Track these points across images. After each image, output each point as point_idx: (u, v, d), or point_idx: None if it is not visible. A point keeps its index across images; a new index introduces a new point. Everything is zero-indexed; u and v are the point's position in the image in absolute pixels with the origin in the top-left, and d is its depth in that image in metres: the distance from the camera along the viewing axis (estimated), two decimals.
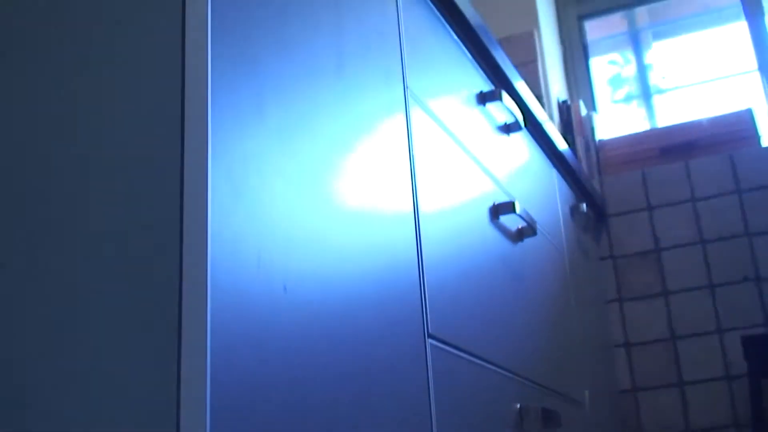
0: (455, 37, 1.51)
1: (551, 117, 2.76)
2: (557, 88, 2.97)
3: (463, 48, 1.55)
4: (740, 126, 2.78)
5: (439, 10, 1.45)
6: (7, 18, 0.87)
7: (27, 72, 0.83)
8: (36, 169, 0.78)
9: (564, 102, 2.90)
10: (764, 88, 2.99)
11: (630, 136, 2.90)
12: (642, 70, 3.37)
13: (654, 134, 2.87)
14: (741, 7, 3.18)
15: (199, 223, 0.68)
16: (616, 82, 3.49)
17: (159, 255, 0.68)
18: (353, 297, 0.89)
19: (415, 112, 1.21)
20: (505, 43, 2.89)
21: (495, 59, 1.64)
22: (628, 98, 3.40)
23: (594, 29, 3.44)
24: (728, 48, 3.26)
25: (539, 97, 2.73)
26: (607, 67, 3.47)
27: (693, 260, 2.59)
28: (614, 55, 3.56)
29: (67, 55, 0.81)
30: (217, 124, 0.72)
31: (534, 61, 2.82)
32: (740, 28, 3.19)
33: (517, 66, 2.81)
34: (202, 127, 0.72)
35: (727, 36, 3.31)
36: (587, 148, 2.81)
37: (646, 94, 3.30)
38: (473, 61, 1.59)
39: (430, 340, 1.08)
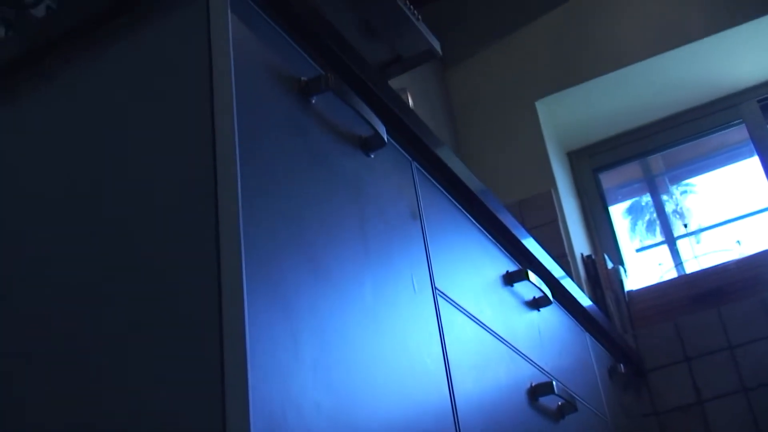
0: (475, 222, 1.55)
1: (577, 274, 2.78)
2: (580, 243, 3.00)
3: (485, 232, 1.58)
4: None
5: (456, 198, 1.49)
6: None
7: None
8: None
9: (588, 257, 2.92)
10: None
11: (659, 285, 2.89)
12: (662, 214, 3.40)
13: (682, 282, 2.86)
14: (751, 144, 3.22)
15: None
16: (635, 210, 3.52)
17: None
18: None
19: (445, 310, 1.23)
20: (525, 204, 2.94)
21: (516, 237, 1.66)
22: (650, 238, 3.41)
23: (611, 177, 3.49)
24: (745, 185, 3.29)
25: (563, 256, 2.75)
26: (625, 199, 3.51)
27: (737, 410, 2.53)
28: (633, 194, 3.60)
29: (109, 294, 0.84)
30: (255, 369, 0.74)
31: (555, 220, 2.86)
32: (753, 164, 3.23)
33: (539, 226, 2.85)
34: (241, 375, 0.73)
35: (743, 173, 3.35)
36: (617, 302, 2.81)
37: (669, 238, 3.32)
38: (495, 243, 1.61)
39: None
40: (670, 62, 3.13)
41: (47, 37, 1.06)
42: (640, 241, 3.47)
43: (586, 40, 3.23)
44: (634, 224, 3.54)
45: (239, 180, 0.83)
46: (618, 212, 3.44)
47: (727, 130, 3.32)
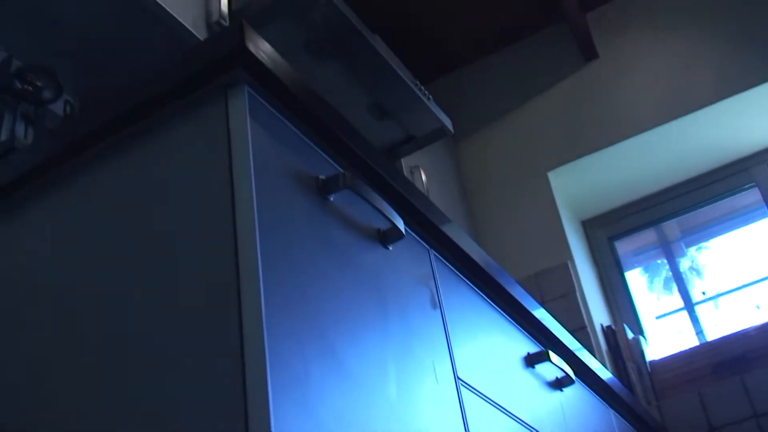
0: (494, 304, 1.55)
1: (597, 346, 2.76)
2: (599, 313, 2.98)
3: (503, 313, 1.57)
4: None
5: (473, 282, 1.49)
6: None
7: None
8: None
9: (608, 327, 2.90)
10: None
11: (680, 354, 2.87)
12: (680, 281, 3.38)
13: (704, 350, 2.84)
14: (765, 207, 3.21)
15: None
16: (652, 268, 3.49)
17: None
18: None
19: (469, 400, 1.22)
20: (542, 276, 2.94)
21: (535, 317, 1.66)
22: (667, 294, 3.38)
23: (626, 242, 3.49)
24: (760, 248, 3.27)
25: (582, 328, 2.74)
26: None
27: None
28: (649, 260, 3.58)
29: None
30: None
31: (572, 291, 2.85)
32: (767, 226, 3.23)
33: (556, 298, 2.84)
34: None
35: (757, 236, 3.34)
36: (640, 373, 2.78)
37: (688, 305, 3.29)
38: (515, 323, 1.61)
39: None
40: (680, 129, 3.15)
41: (67, 142, 1.08)
42: (657, 297, 3.44)
43: (596, 109, 3.26)
44: (651, 281, 3.52)
45: (261, 280, 0.83)
46: (634, 270, 3.43)
47: (740, 194, 3.32)
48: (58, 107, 1.79)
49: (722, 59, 3.10)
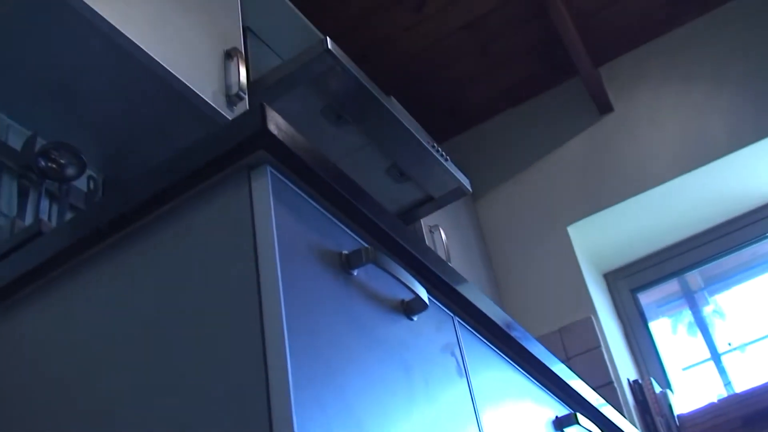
0: (519, 368, 1.54)
1: (625, 401, 2.73)
2: (626, 368, 2.96)
3: (528, 376, 1.57)
4: None
5: (498, 347, 1.49)
6: None
7: None
8: None
9: (635, 381, 2.87)
10: None
11: (709, 407, 2.83)
12: (705, 331, 3.34)
13: (733, 402, 2.80)
14: None
15: None
16: (676, 314, 3.47)
17: None
18: None
19: None
20: (566, 332, 2.92)
21: (561, 378, 1.65)
22: (691, 335, 3.35)
23: (648, 294, 3.46)
24: None
25: (609, 383, 2.71)
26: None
27: None
28: (672, 310, 3.56)
29: None
30: None
31: (597, 346, 2.83)
32: None
33: (581, 354, 2.82)
34: None
35: None
36: (668, 428, 2.75)
37: (714, 355, 3.25)
38: (541, 386, 1.60)
39: None
40: (698, 179, 3.15)
41: (91, 227, 1.10)
42: (682, 342, 3.40)
43: (613, 162, 3.27)
44: (675, 325, 3.49)
45: (288, 357, 0.84)
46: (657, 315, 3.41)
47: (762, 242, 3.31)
48: (81, 183, 1.82)
49: (737, 109, 3.11)
